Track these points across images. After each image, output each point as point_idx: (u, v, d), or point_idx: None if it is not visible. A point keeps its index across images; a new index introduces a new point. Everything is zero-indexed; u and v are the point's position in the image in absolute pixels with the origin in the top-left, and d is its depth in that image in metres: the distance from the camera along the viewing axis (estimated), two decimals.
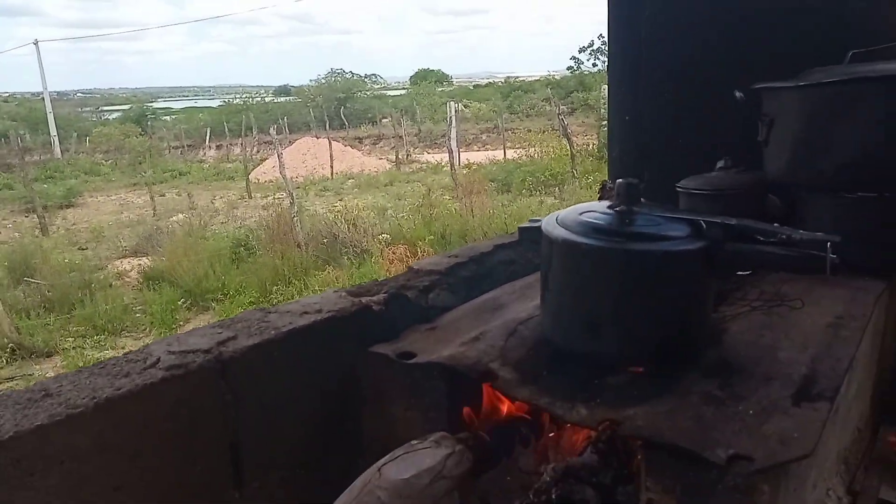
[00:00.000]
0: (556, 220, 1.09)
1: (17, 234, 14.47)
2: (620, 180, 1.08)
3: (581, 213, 1.10)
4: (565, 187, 12.96)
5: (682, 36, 1.72)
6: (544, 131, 20.57)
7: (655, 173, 1.77)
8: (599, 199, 2.06)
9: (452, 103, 17.87)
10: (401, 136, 23.44)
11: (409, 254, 8.52)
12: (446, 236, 9.16)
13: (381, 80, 61.08)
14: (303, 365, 1.10)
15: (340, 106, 37.26)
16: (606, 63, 1.97)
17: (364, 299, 1.23)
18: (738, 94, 1.45)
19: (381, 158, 22.77)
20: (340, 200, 15.39)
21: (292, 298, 8.18)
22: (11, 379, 6.53)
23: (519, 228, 1.16)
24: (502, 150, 20.92)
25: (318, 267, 8.61)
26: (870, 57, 1.47)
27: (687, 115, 1.77)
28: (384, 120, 31.02)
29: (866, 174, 1.42)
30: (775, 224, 0.99)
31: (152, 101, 77.96)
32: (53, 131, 35.18)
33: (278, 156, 9.97)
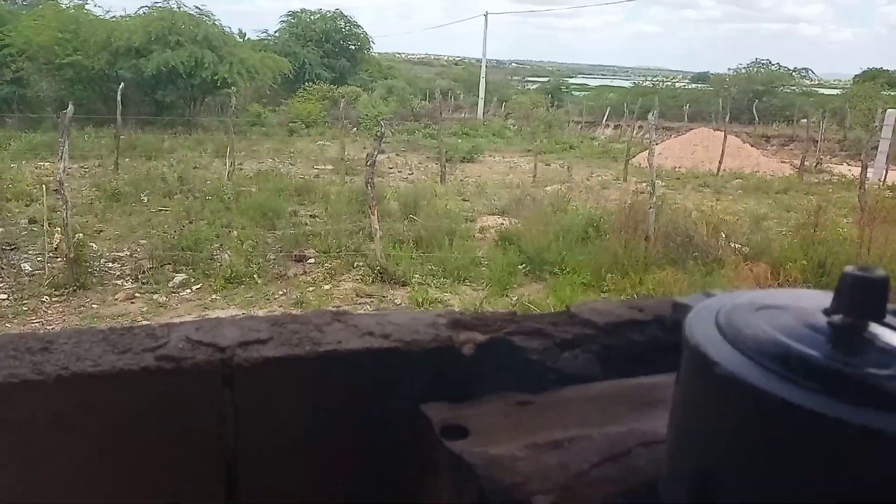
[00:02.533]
0: (719, 312, 0.63)
1: (423, 177, 16.95)
2: (851, 268, 0.57)
3: (761, 309, 0.61)
4: None
5: None
6: None
7: None
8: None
9: (893, 110, 14.70)
10: (815, 140, 20.31)
11: (770, 275, 7.35)
12: (825, 266, 7.62)
13: (814, 76, 53.65)
14: (341, 399, 0.87)
15: (755, 99, 34.08)
16: None
17: (463, 335, 0.93)
18: None
19: (783, 162, 20.16)
20: (718, 200, 14.13)
21: (624, 291, 7.85)
22: (370, 296, 7.69)
23: (673, 303, 0.72)
24: None
25: (661, 265, 8.03)
26: None
27: None
28: (803, 120, 27.24)
29: None
30: None
31: (571, 77, 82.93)
32: (482, 94, 40.05)
33: (650, 143, 9.48)
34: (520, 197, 12.53)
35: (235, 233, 9.67)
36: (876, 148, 16.67)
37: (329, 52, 39.71)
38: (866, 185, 12.80)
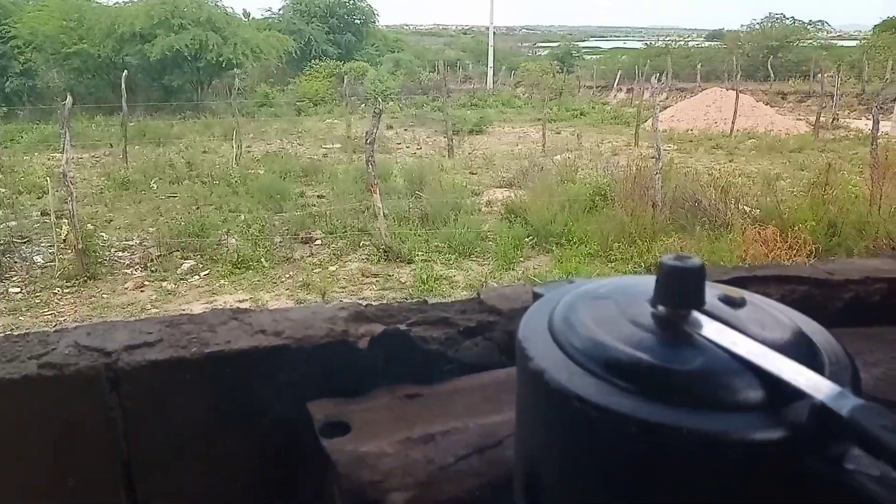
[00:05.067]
0: (557, 304, 0.62)
1: (431, 151, 16.85)
2: (669, 257, 0.55)
3: (595, 300, 0.60)
4: None
5: None
6: None
7: None
8: None
9: None
10: (831, 95, 19.81)
11: (778, 238, 7.23)
12: (836, 226, 7.49)
13: (830, 29, 52.08)
14: (232, 398, 0.87)
15: (770, 55, 33.25)
16: None
17: (362, 328, 0.92)
18: None
19: (799, 119, 19.72)
20: (730, 161, 13.90)
21: (631, 259, 7.78)
22: (376, 276, 7.71)
23: (533, 292, 0.70)
24: None
25: (668, 232, 7.94)
26: None
27: None
28: (819, 75, 26.52)
29: None
30: None
31: (583, 41, 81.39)
32: (490, 63, 39.53)
33: (655, 106, 9.31)
34: (527, 168, 12.42)
35: (243, 217, 9.72)
36: (894, 100, 16.23)
37: (334, 28, 39.37)
38: (883, 140, 12.50)
